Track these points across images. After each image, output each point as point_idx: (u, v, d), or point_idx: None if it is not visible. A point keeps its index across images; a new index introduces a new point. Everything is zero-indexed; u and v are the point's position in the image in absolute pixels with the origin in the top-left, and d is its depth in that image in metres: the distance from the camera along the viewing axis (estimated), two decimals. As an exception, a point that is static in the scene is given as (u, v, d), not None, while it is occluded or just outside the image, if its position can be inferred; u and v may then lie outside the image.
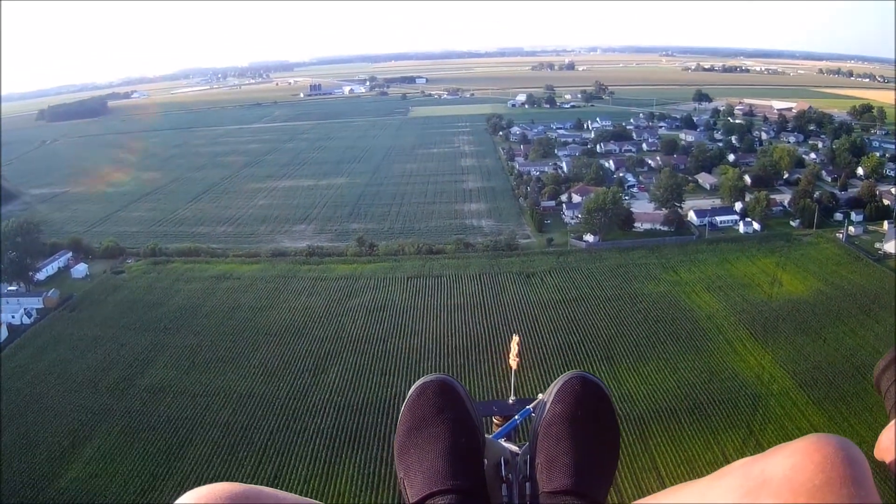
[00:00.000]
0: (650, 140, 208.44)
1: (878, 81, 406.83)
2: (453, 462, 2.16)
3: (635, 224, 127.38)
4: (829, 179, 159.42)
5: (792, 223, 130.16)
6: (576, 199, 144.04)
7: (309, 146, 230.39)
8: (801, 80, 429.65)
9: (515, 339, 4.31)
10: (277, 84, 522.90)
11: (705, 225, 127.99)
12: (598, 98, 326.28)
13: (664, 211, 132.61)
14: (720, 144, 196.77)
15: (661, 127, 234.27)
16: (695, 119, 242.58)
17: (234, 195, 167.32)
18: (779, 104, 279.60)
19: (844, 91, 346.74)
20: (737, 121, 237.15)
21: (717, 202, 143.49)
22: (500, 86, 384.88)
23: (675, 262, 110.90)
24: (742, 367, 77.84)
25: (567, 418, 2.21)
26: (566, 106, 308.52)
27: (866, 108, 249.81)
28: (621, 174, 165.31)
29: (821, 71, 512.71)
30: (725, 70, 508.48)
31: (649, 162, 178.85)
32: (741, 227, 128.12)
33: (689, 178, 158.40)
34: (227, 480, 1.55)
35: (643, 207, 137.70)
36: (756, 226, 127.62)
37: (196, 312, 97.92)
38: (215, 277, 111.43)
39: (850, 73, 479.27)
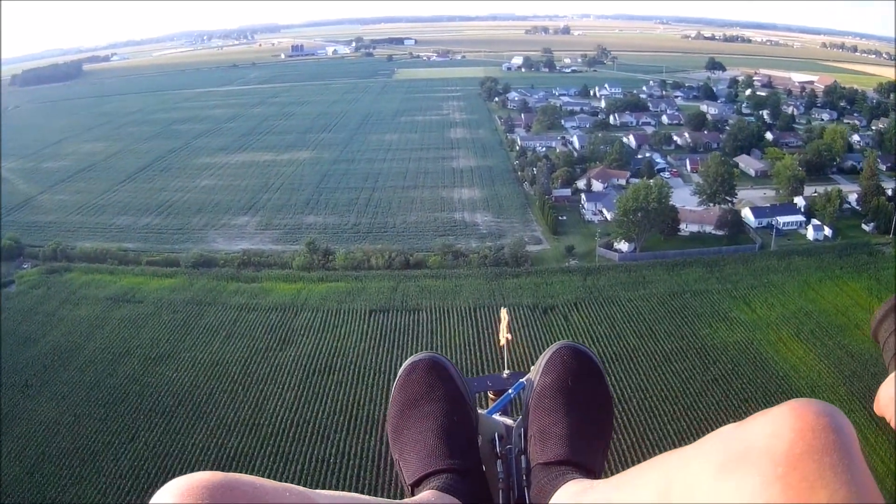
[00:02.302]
0: (669, 111, 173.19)
1: (885, 58, 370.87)
2: (447, 441, 2.12)
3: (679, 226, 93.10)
4: (883, 168, 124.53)
5: (864, 227, 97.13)
6: (596, 186, 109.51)
7: (277, 112, 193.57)
8: (806, 53, 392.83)
9: (504, 312, 3.89)
10: (261, 45, 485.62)
11: (769, 228, 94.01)
12: (600, 63, 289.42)
13: (714, 208, 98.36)
14: (752, 119, 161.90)
15: (677, 97, 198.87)
16: (714, 89, 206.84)
17: (175, 173, 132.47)
18: (798, 77, 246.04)
19: (853, 66, 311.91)
20: (758, 93, 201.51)
21: (769, 194, 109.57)
22: (493, 48, 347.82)
23: (743, 287, 76.78)
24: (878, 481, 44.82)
25: (557, 389, 2.18)
26: (566, 70, 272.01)
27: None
28: (647, 154, 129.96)
29: (824, 45, 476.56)
30: (727, 40, 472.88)
31: (675, 139, 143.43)
32: (810, 233, 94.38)
33: (730, 161, 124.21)
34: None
35: (681, 199, 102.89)
36: (827, 231, 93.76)
37: (72, 359, 64.81)
38: (114, 298, 77.75)
39: (855, 49, 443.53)
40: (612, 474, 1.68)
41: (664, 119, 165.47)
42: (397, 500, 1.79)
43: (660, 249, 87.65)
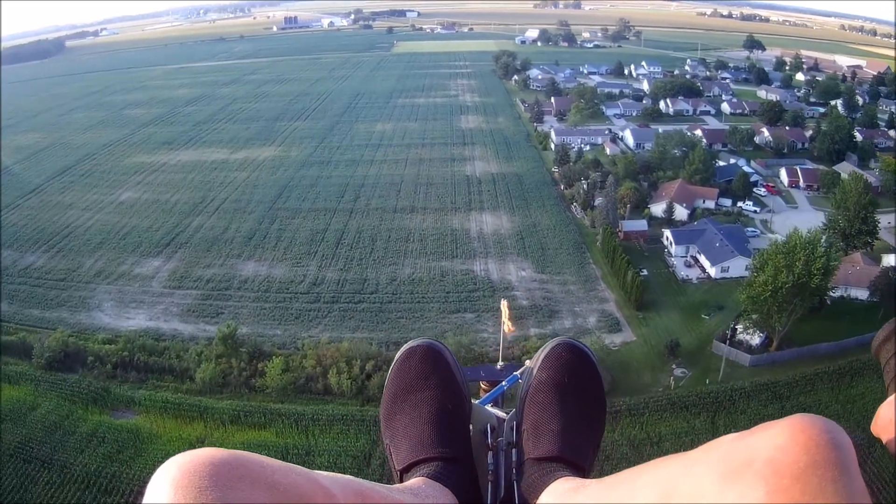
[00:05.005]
0: (726, 97, 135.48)
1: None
2: (439, 429, 2.03)
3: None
4: None
5: None
6: (679, 212, 72.42)
7: (249, 92, 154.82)
8: (829, 35, 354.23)
9: (504, 303, 3.42)
10: (255, 18, 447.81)
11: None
12: (623, 38, 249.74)
13: (855, 257, 61.94)
14: (821, 110, 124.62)
15: (725, 79, 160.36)
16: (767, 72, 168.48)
17: (96, 179, 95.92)
18: (844, 60, 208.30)
19: (883, 51, 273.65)
20: (817, 78, 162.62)
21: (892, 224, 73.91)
22: (502, 21, 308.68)
23: None
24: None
25: (553, 385, 2.08)
26: (588, 45, 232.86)
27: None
28: (733, 160, 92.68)
29: (842, 27, 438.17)
30: (744, 18, 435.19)
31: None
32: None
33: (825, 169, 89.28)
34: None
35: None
36: None
37: None
38: None
39: (874, 32, 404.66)
40: (600, 475, 1.66)
41: (725, 107, 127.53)
42: (390, 486, 1.73)
43: (801, 338, 51.17)
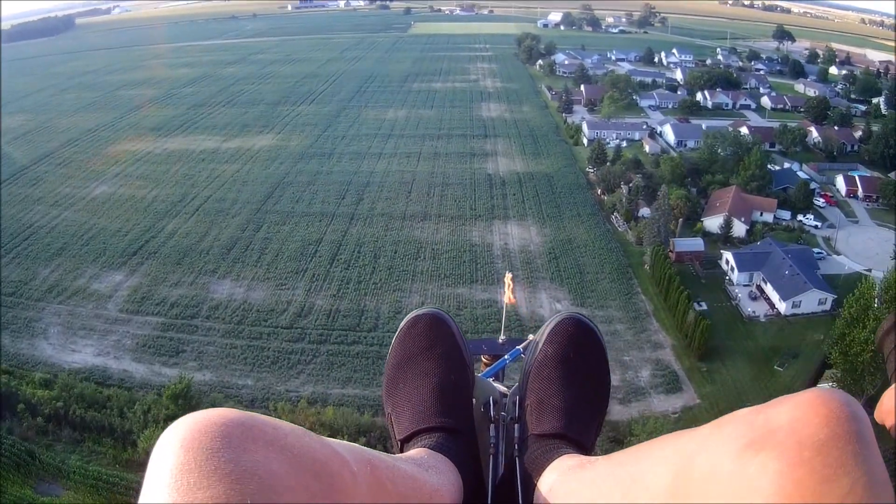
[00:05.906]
0: (764, 90, 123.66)
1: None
2: (442, 399, 1.99)
3: None
4: None
5: None
6: (737, 227, 61.02)
7: (254, 72, 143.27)
8: (852, 29, 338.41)
9: (508, 276, 3.72)
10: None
11: None
12: (648, 24, 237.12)
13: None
14: (861, 108, 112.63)
15: (759, 70, 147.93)
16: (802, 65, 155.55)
17: (73, 169, 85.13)
18: (875, 55, 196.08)
19: None
20: (854, 72, 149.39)
21: None
22: (523, 4, 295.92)
23: None
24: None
25: (559, 360, 2.00)
26: (613, 30, 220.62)
27: None
28: (787, 164, 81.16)
29: (863, 21, 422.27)
30: (766, 9, 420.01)
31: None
32: None
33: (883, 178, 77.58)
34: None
35: (859, 256, 57.57)
36: None
37: None
38: None
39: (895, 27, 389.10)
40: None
41: (765, 102, 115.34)
42: (394, 455, 1.72)
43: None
